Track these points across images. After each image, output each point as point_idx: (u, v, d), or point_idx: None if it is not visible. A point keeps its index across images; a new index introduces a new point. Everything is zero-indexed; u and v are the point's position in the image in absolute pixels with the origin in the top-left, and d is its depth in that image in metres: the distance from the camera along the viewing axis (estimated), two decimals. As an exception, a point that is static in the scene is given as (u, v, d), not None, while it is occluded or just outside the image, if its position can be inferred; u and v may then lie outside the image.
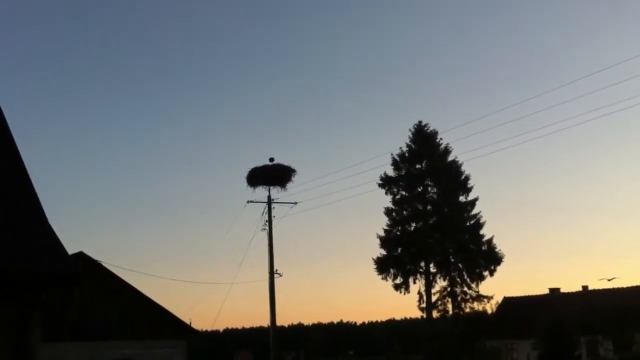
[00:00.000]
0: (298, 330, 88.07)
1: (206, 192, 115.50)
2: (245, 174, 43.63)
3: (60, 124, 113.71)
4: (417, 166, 51.64)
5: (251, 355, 64.83)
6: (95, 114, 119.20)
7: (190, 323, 30.46)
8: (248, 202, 42.42)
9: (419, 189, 51.17)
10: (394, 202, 51.25)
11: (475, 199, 50.43)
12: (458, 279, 50.02)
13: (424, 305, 49.95)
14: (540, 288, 78.63)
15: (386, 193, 51.13)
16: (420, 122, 51.99)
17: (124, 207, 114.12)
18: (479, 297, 49.91)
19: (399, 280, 50.20)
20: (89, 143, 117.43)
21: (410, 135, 51.72)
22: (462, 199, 50.71)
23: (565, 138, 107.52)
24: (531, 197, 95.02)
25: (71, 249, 28.65)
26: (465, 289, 49.97)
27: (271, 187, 42.74)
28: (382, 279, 50.40)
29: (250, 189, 43.36)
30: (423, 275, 50.14)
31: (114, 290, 28.24)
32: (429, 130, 51.76)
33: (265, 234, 41.82)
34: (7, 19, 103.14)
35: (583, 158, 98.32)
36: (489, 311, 51.90)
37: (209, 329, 74.60)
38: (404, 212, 51.28)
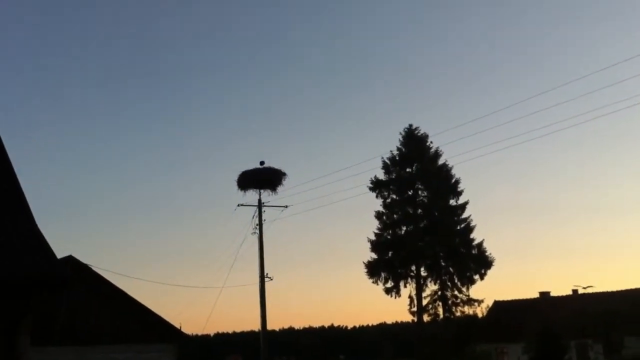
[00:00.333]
0: (289, 334, 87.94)
1: (197, 195, 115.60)
2: (236, 177, 43.55)
3: (48, 126, 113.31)
4: (408, 170, 51.69)
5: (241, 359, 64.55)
6: (84, 116, 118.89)
7: (180, 327, 30.30)
8: (238, 205, 42.28)
9: (410, 193, 51.21)
10: (385, 205, 51.28)
11: (466, 203, 50.58)
12: (449, 283, 50.06)
13: (414, 309, 50.00)
14: (530, 292, 78.95)
15: (377, 196, 51.20)
16: (410, 125, 52.18)
17: (114, 210, 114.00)
18: (470, 301, 49.97)
19: (389, 284, 50.23)
20: (79, 146, 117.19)
21: (401, 139, 51.83)
22: (452, 202, 50.80)
23: (556, 141, 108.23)
24: (522, 201, 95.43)
25: (60, 253, 28.39)
26: (456, 292, 50.02)
27: (262, 191, 42.60)
28: (373, 282, 50.45)
29: (240, 193, 43.24)
30: (414, 279, 50.15)
31: (103, 294, 28.05)
32: (419, 134, 51.86)
33: (255, 238, 41.69)
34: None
35: (575, 160, 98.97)
36: (480, 315, 52.09)
37: (200, 333, 74.04)
38: (395, 216, 51.30)
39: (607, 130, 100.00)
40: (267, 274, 40.97)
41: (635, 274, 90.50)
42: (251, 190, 42.87)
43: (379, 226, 51.19)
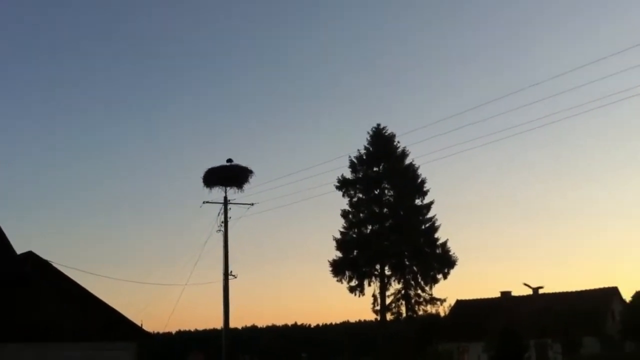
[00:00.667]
0: (252, 332, 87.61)
1: (161, 192, 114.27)
2: (202, 174, 43.17)
3: (5, 119, 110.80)
4: (375, 169, 51.86)
5: (203, 357, 64.12)
6: (45, 111, 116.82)
7: (142, 324, 29.96)
8: (204, 202, 41.89)
9: (376, 192, 51.39)
10: (351, 204, 51.38)
11: (431, 202, 50.91)
12: (412, 282, 50.39)
13: (378, 307, 50.21)
14: (492, 291, 79.77)
15: (343, 195, 51.24)
16: (378, 124, 52.30)
17: (76, 206, 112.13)
18: (432, 300, 50.36)
19: (354, 283, 50.33)
20: (39, 141, 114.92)
21: (368, 138, 51.95)
22: (418, 202, 51.12)
23: (521, 141, 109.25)
24: (485, 201, 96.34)
25: (20, 249, 27.94)
26: (419, 291, 50.38)
27: (228, 188, 42.25)
28: (337, 281, 50.50)
29: (206, 190, 42.86)
30: (378, 278, 50.37)
31: (64, 290, 27.61)
32: (387, 133, 52.06)
33: (220, 235, 41.38)
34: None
35: (539, 161, 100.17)
36: (442, 314, 52.57)
37: (162, 330, 73.61)
38: (361, 215, 51.43)
39: (569, 131, 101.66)
40: (231, 271, 40.73)
41: (596, 274, 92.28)
42: (217, 188, 42.54)
43: (345, 225, 51.32)
